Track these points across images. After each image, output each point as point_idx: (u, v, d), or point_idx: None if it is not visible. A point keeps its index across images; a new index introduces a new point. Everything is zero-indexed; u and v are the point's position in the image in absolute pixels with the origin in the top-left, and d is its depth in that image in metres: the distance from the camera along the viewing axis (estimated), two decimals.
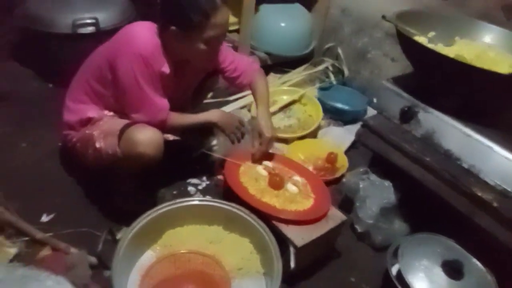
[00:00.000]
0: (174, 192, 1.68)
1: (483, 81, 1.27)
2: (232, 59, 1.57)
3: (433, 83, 1.45)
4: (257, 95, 1.59)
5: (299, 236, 1.26)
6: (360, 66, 2.39)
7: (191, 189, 1.71)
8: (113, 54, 1.33)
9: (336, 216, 1.37)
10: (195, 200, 1.32)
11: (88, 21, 1.95)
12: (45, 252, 1.35)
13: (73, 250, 1.34)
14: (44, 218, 1.48)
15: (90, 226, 1.45)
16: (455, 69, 1.30)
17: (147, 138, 1.30)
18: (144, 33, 1.31)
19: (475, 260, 1.28)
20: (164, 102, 1.39)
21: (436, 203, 1.36)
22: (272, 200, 1.35)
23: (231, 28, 2.40)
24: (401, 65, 2.16)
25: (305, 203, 1.38)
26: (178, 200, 1.30)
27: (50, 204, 1.52)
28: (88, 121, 1.45)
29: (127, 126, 1.35)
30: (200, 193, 1.70)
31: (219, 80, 1.74)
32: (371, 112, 2.18)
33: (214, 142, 1.87)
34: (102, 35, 1.87)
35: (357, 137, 1.55)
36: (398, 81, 1.54)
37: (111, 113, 1.47)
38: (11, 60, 2.24)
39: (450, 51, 1.46)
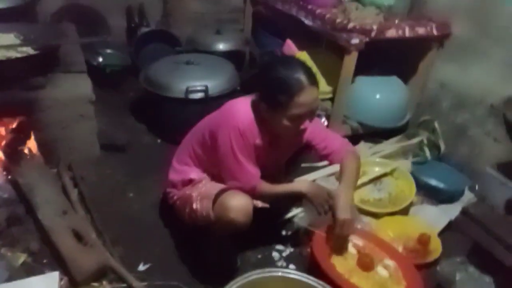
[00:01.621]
0: (259, 256, 1.72)
1: None
2: (324, 137, 1.60)
3: None
4: (342, 174, 1.55)
5: None
6: (458, 143, 2.29)
7: (275, 254, 1.74)
8: (215, 125, 1.49)
9: None
10: (283, 271, 1.33)
11: (199, 88, 2.17)
12: None
13: None
14: (141, 267, 1.62)
15: (180, 280, 1.55)
16: None
17: (239, 204, 1.40)
18: (243, 109, 1.44)
19: None
20: (256, 171, 1.48)
21: None
22: (361, 282, 1.33)
23: (325, 96, 2.49)
24: (505, 147, 2.02)
25: None
26: (266, 270, 1.32)
27: (148, 254, 1.66)
28: (189, 182, 1.60)
29: (222, 192, 1.46)
30: (283, 260, 1.72)
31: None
32: (468, 194, 2.06)
33: (301, 209, 1.91)
34: (210, 101, 2.09)
35: (456, 223, 1.48)
36: (504, 168, 1.47)
37: (210, 176, 1.60)
38: (129, 115, 2.56)
39: None
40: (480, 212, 1.42)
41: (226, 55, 2.66)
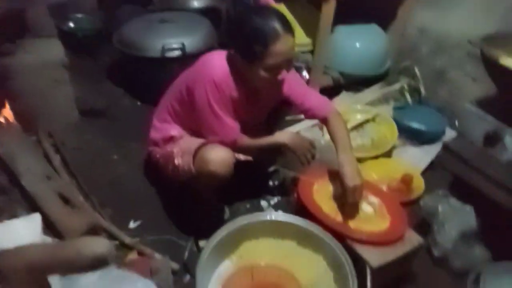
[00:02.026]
0: (248, 206, 1.75)
1: None
2: (303, 92, 1.57)
3: None
4: (336, 139, 1.48)
5: (375, 257, 1.26)
6: (438, 86, 2.32)
7: (263, 203, 1.78)
8: (191, 79, 1.46)
9: (413, 239, 1.34)
10: (271, 215, 1.36)
11: (176, 46, 2.12)
12: (132, 256, 1.48)
13: (157, 255, 1.46)
14: (132, 225, 1.63)
15: (172, 234, 1.58)
16: None
17: (218, 157, 1.39)
18: (218, 62, 1.41)
19: None
20: (235, 124, 1.47)
21: None
22: (347, 220, 1.36)
23: (305, 48, 2.46)
24: (483, 86, 2.05)
25: (381, 224, 1.37)
26: (254, 214, 1.36)
27: (137, 212, 1.67)
28: (170, 139, 1.59)
29: (202, 146, 1.46)
30: (272, 208, 1.76)
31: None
32: (449, 132, 2.11)
33: (288, 158, 1.92)
34: (188, 59, 2.03)
35: (438, 159, 1.51)
36: (482, 103, 1.49)
37: (190, 132, 1.59)
38: (106, 80, 2.50)
39: None
40: (460, 146, 1.45)
41: (202, 12, 2.59)
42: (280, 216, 1.37)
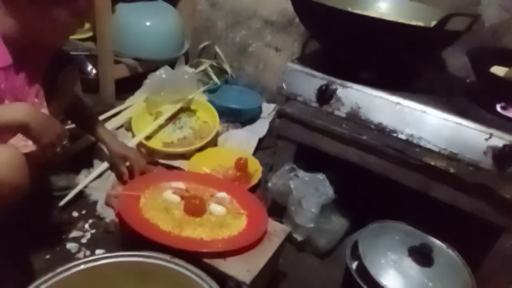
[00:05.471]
0: (47, 257, 1.19)
1: (399, 36, 1.14)
2: None
3: (344, 55, 1.29)
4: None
5: (244, 268, 0.94)
6: (243, 62, 2.18)
7: (71, 246, 1.24)
8: None
9: (278, 230, 1.08)
10: (81, 264, 0.87)
11: None
12: None
13: None
14: None
15: None
16: (371, 27, 1.13)
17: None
18: None
19: (437, 241, 1.13)
20: None
21: (381, 185, 1.19)
22: (196, 231, 1.00)
23: (85, 35, 1.97)
24: (287, 54, 2.02)
25: (238, 223, 1.06)
26: (58, 271, 0.84)
27: None
28: None
29: None
30: (86, 248, 1.25)
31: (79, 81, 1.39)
32: (266, 107, 2.00)
33: (91, 176, 1.44)
34: None
35: (278, 131, 1.31)
36: (305, 60, 1.35)
37: None
38: None
39: None
40: (296, 109, 1.27)
41: None
42: (100, 258, 0.90)
